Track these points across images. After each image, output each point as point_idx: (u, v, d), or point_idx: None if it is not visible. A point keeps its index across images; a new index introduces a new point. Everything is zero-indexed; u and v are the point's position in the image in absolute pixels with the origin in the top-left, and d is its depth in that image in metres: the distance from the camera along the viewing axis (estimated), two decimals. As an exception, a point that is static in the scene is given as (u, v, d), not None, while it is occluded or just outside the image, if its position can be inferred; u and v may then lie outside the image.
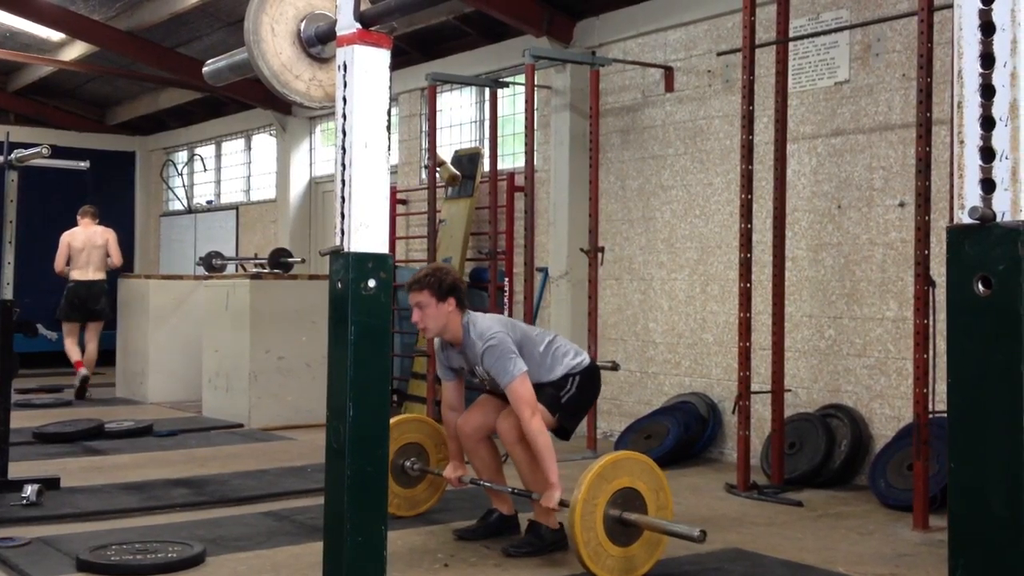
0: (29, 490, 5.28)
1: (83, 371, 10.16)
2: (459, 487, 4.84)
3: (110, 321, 10.68)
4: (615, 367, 6.93)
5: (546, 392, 4.63)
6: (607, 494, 4.09)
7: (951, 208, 1.75)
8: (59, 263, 10.33)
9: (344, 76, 2.57)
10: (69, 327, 10.46)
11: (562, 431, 4.74)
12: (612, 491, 4.11)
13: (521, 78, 7.92)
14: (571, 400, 4.68)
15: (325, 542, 2.62)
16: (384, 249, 2.59)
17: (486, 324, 4.53)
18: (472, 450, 4.80)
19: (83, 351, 10.46)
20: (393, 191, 9.53)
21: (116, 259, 10.61)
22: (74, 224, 10.58)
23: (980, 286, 1.68)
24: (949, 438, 1.75)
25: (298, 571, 4.24)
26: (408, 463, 5.10)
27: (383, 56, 2.58)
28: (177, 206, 14.99)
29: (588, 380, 4.77)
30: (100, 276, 10.46)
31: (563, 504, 4.25)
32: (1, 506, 5.20)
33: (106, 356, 10.89)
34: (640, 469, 4.23)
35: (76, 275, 10.37)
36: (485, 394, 4.89)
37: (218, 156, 14.23)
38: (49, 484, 5.57)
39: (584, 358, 4.79)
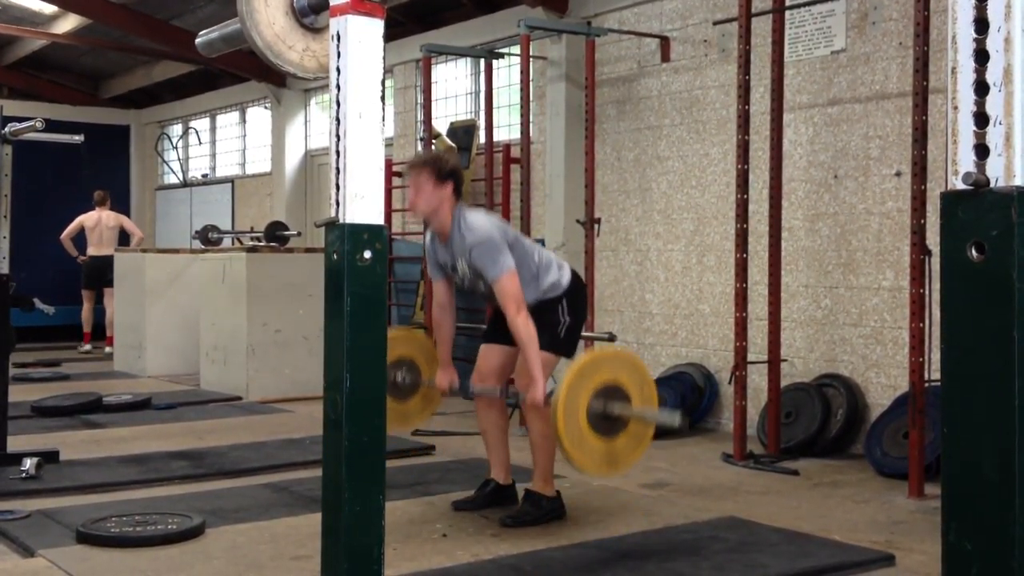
0: (28, 463, 5.30)
1: (87, 346, 12.22)
2: (450, 395, 4.83)
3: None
4: (612, 338, 6.92)
5: (543, 335, 4.52)
6: (590, 388, 4.10)
7: (947, 178, 1.76)
8: (65, 234, 11.96)
9: (338, 46, 2.55)
10: (87, 294, 12.22)
11: (567, 355, 4.73)
12: (595, 385, 4.12)
13: (516, 49, 7.89)
14: (567, 330, 4.63)
15: (323, 512, 2.63)
16: (379, 220, 2.59)
17: (478, 219, 4.45)
18: (484, 408, 4.79)
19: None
20: (389, 163, 9.51)
21: (137, 234, 12.21)
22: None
23: (973, 252, 1.69)
24: (942, 403, 1.76)
25: (296, 542, 4.27)
26: (399, 377, 4.92)
27: (377, 26, 2.57)
28: (172, 179, 14.95)
29: (576, 299, 4.68)
30: (111, 252, 11.70)
31: (548, 401, 4.25)
32: (0, 479, 5.22)
33: (104, 330, 12.04)
34: (623, 365, 4.26)
35: (91, 251, 12.03)
36: (485, 346, 4.85)
37: (213, 129, 14.17)
38: (48, 457, 5.59)
39: (566, 271, 4.69)
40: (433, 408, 5.10)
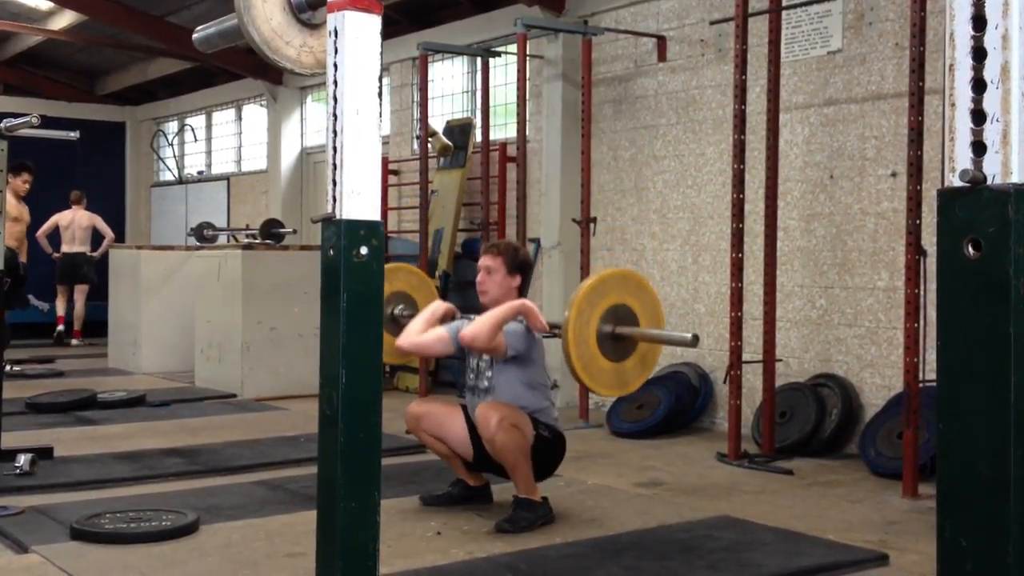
0: (22, 459, 5.29)
1: (60, 327, 12.60)
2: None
3: (102, 291, 11.58)
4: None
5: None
6: (599, 311, 4.16)
7: (943, 179, 1.76)
8: (41, 232, 12.32)
9: (335, 42, 2.55)
10: (61, 289, 12.68)
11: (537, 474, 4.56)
12: (604, 308, 4.17)
13: (513, 48, 7.89)
14: (542, 451, 4.51)
15: (318, 509, 2.62)
16: (376, 216, 2.58)
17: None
18: (429, 441, 4.78)
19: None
20: (385, 161, 9.51)
21: (108, 233, 12.62)
22: (65, 200, 12.48)
23: (970, 249, 1.68)
24: (938, 399, 1.76)
25: (291, 539, 4.26)
26: (397, 311, 4.94)
27: (374, 21, 2.56)
28: (168, 177, 14.94)
29: (554, 449, 4.59)
30: (83, 249, 12.56)
31: (554, 327, 4.29)
32: (-6, 476, 5.21)
33: (98, 327, 12.06)
34: (630, 285, 4.33)
35: (64, 248, 12.52)
36: (454, 406, 4.85)
37: (208, 126, 14.16)
38: (42, 454, 5.58)
39: (558, 422, 4.67)
40: None
